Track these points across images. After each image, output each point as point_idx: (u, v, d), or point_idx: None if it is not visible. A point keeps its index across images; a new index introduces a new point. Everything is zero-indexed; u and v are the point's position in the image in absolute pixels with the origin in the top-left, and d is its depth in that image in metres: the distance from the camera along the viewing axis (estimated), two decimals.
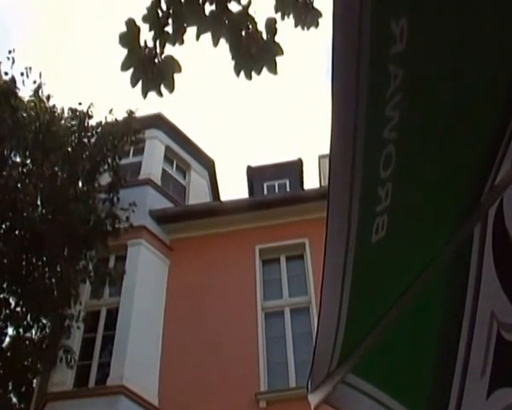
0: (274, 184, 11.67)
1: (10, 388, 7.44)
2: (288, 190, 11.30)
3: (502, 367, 1.53)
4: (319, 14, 3.43)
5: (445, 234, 1.44)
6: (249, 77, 3.22)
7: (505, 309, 1.51)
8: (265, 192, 11.50)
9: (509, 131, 1.41)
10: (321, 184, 11.34)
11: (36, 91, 7.76)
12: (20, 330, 7.09)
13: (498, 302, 1.54)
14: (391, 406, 1.64)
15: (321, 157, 12.22)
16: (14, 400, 7.77)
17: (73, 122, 8.09)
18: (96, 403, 6.77)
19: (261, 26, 3.23)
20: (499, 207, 1.53)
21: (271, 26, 3.22)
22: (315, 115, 31.54)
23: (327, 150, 1.13)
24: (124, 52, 3.01)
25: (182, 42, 3.11)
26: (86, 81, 26.02)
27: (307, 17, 3.40)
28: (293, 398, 6.52)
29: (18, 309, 7.07)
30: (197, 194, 10.50)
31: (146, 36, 3.06)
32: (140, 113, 8.85)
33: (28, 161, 7.52)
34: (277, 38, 3.22)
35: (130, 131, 8.53)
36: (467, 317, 1.62)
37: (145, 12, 3.07)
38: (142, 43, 3.04)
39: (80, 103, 8.25)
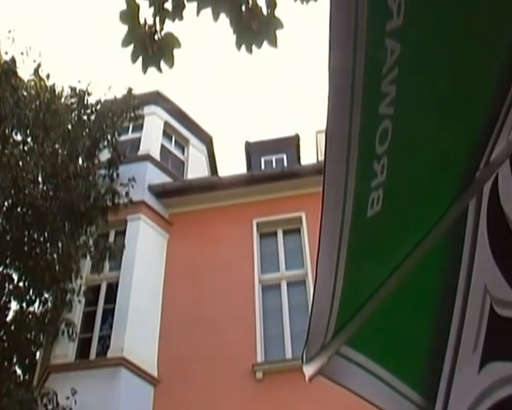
0: (271, 159, 11.65)
1: (15, 360, 7.55)
2: (285, 164, 11.28)
3: (494, 342, 1.54)
4: None
5: (441, 209, 1.45)
6: (250, 51, 3.20)
7: (499, 285, 1.51)
8: (263, 167, 11.49)
9: (504, 108, 1.41)
10: (318, 159, 11.31)
11: (36, 70, 7.69)
12: (24, 304, 7.15)
13: (492, 278, 1.54)
14: (385, 378, 1.67)
15: (318, 132, 12.21)
16: (19, 371, 7.90)
17: (73, 100, 8.04)
18: (97, 375, 6.86)
19: (261, 1, 3.21)
20: (494, 183, 1.53)
21: (271, 0, 3.19)
22: (312, 91, 31.25)
23: (324, 126, 1.14)
24: (124, 29, 3.00)
25: (181, 18, 3.09)
26: (84, 59, 25.71)
27: None
28: (289, 369, 6.61)
29: (21, 284, 7.12)
30: (196, 169, 10.48)
31: (146, 13, 3.05)
32: (138, 90, 8.82)
33: (29, 139, 7.48)
34: (277, 12, 3.19)
35: (129, 107, 8.49)
36: (460, 291, 1.64)
37: None
38: (142, 21, 3.02)
39: (79, 81, 8.22)
